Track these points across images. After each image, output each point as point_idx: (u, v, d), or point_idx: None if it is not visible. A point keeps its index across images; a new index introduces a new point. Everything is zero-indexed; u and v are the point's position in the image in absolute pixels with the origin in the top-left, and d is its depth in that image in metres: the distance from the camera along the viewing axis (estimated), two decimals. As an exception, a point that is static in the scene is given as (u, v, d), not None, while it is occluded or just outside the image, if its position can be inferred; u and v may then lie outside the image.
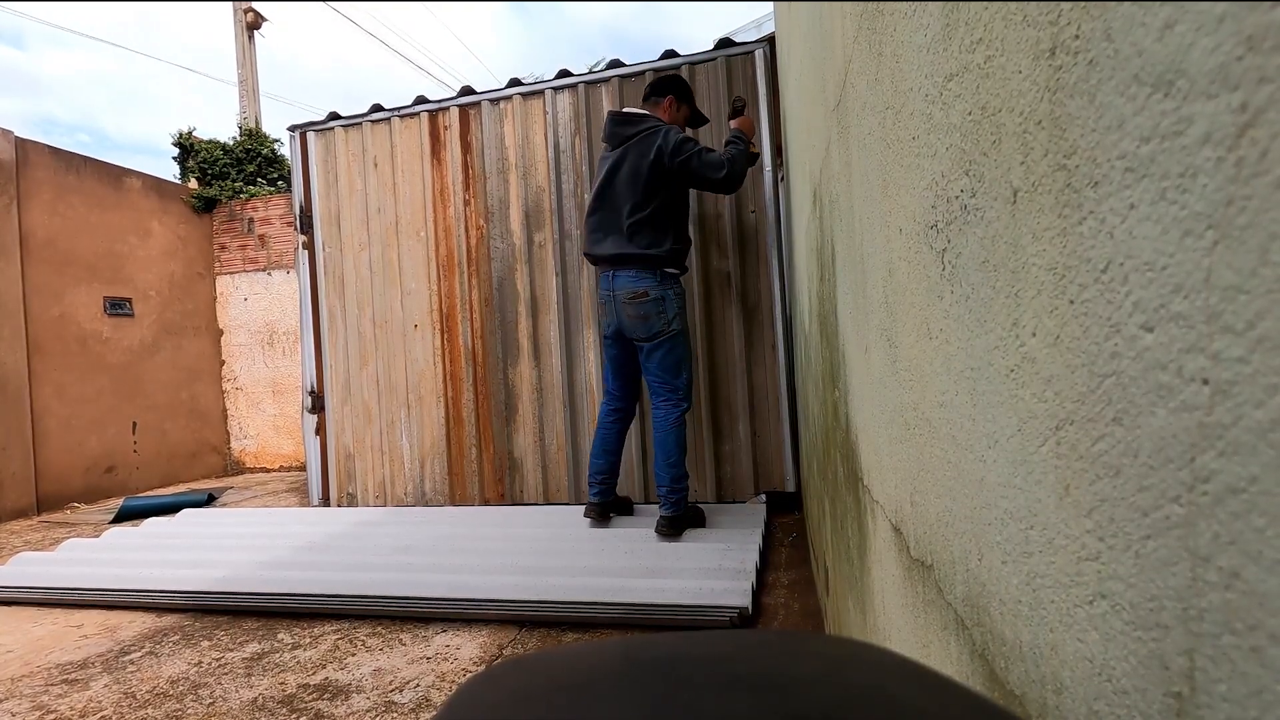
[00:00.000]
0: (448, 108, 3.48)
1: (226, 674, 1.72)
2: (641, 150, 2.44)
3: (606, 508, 2.65)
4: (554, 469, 3.31)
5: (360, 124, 3.63)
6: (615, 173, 2.49)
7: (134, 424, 4.89)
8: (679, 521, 2.44)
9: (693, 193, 2.92)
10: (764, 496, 2.98)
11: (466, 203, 3.46)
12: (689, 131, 2.75)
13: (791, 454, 2.97)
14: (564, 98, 3.31)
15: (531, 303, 3.34)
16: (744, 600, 1.79)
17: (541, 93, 3.34)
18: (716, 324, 3.10)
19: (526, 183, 3.37)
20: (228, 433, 5.62)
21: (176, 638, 1.98)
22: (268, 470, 5.52)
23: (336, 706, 1.53)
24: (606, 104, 3.23)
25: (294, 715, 1.50)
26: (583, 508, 2.72)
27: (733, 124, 2.55)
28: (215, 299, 5.59)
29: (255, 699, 1.58)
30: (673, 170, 2.41)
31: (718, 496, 3.05)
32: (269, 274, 5.47)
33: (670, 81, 2.60)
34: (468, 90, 3.49)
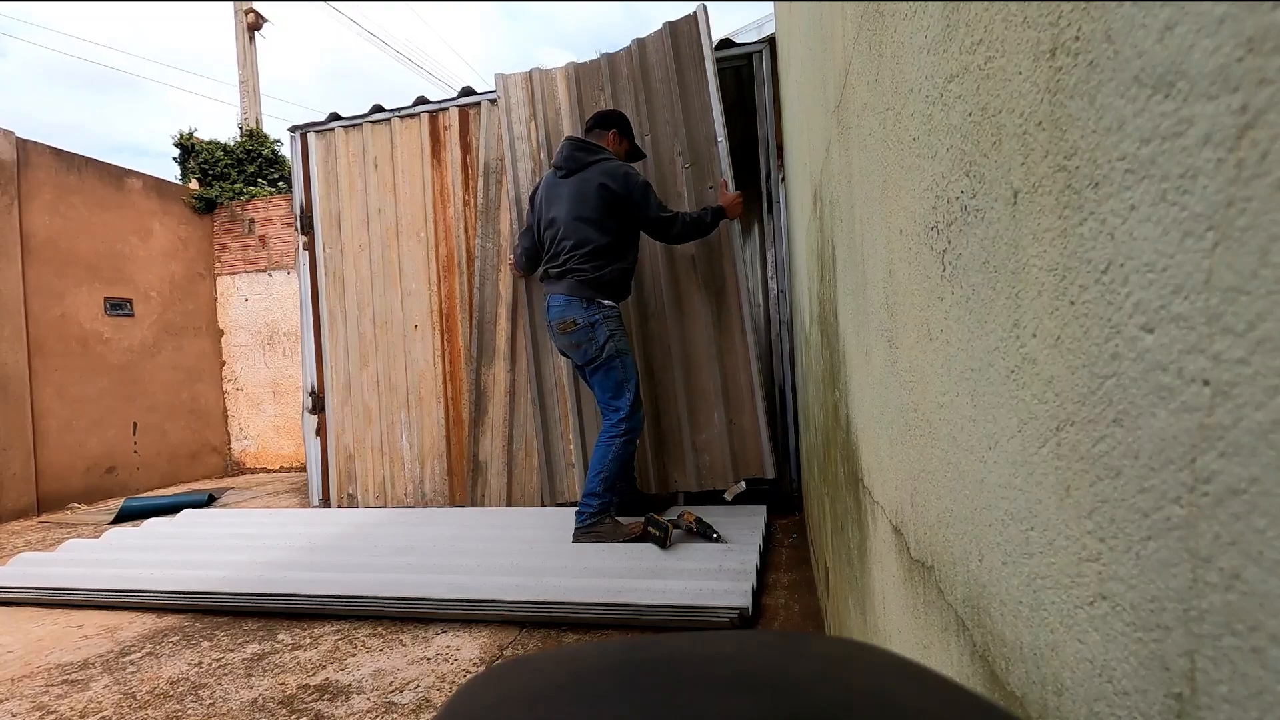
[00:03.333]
0: (448, 108, 3.48)
1: (227, 674, 1.72)
2: (594, 178, 2.44)
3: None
4: (547, 469, 3.30)
5: (360, 125, 3.63)
6: (564, 199, 2.50)
7: (134, 424, 4.89)
8: (578, 536, 2.42)
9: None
10: (744, 484, 2.92)
11: (466, 203, 3.46)
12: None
13: (769, 439, 2.92)
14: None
15: (515, 304, 3.34)
16: (744, 601, 1.79)
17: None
18: (685, 311, 3.03)
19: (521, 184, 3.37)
20: (228, 433, 5.62)
21: (177, 638, 1.98)
22: (268, 471, 5.52)
23: (336, 707, 1.53)
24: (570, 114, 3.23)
25: (294, 716, 1.50)
26: (576, 508, 2.71)
27: (723, 199, 2.70)
28: (216, 299, 5.59)
29: (255, 699, 1.58)
30: (629, 210, 2.46)
31: (698, 484, 2.99)
32: (269, 275, 5.47)
33: (616, 116, 2.65)
34: (468, 91, 3.49)
